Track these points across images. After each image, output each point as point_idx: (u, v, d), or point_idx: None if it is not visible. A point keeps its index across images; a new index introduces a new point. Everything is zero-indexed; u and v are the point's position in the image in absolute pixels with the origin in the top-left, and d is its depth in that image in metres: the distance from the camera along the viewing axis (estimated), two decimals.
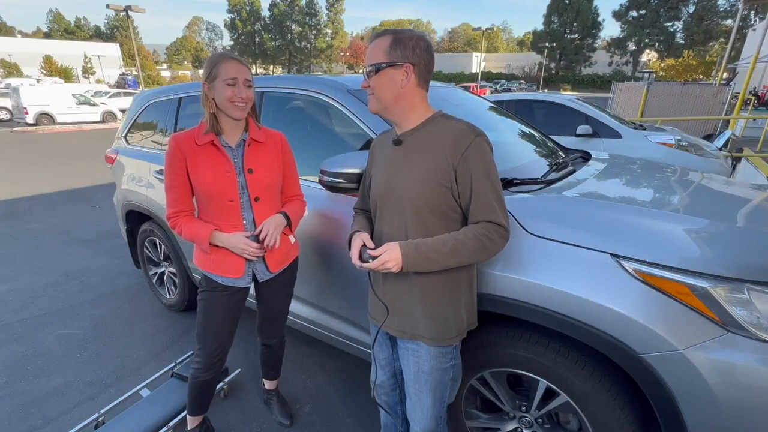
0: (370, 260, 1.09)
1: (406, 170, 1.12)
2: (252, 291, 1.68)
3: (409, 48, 1.07)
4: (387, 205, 1.17)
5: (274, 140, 1.55)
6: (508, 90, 37.40)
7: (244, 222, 1.48)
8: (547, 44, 51.10)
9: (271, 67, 75.38)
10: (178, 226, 1.44)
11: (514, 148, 2.12)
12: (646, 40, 52.56)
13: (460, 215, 1.13)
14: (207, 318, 1.55)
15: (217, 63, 1.34)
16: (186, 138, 1.40)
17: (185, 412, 1.86)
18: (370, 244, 1.15)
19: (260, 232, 1.44)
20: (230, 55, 1.38)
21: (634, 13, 52.29)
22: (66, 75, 40.29)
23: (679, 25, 50.86)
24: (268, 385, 2.00)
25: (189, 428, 1.78)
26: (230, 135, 1.45)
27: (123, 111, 17.68)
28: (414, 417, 1.28)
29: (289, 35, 70.62)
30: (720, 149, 5.33)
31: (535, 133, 2.42)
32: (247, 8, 70.63)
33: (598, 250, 1.19)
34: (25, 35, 71.53)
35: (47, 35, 70.73)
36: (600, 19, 55.96)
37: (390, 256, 1.06)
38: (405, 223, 1.13)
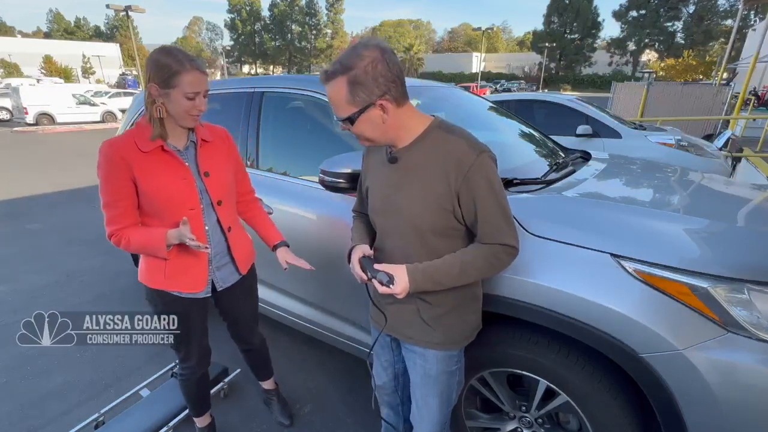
0: (389, 285, 1.02)
1: (405, 192, 1.06)
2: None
3: (370, 81, 0.94)
4: (387, 224, 1.14)
5: (221, 137, 1.45)
6: (508, 90, 37.39)
7: (207, 228, 1.39)
8: (547, 44, 51.07)
9: (271, 67, 75.37)
10: (124, 239, 1.25)
11: (514, 148, 2.12)
12: (646, 40, 52.58)
13: (464, 232, 1.09)
14: (180, 331, 1.49)
15: (178, 72, 1.16)
16: (126, 145, 1.22)
17: (185, 412, 1.86)
18: (369, 252, 1.12)
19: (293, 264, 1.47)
20: (192, 63, 1.19)
21: (634, 13, 52.30)
22: (66, 75, 40.28)
23: (679, 25, 50.90)
24: (267, 384, 2.00)
25: (199, 427, 1.78)
26: (177, 138, 1.31)
27: (123, 111, 17.67)
28: (419, 422, 1.26)
29: (289, 35, 70.63)
30: (720, 149, 5.33)
31: (535, 133, 2.42)
32: (247, 8, 70.63)
33: (598, 250, 1.19)
34: (25, 35, 71.54)
35: (47, 35, 70.71)
36: (600, 19, 56.05)
37: (401, 288, 1.01)
38: (407, 242, 1.09)
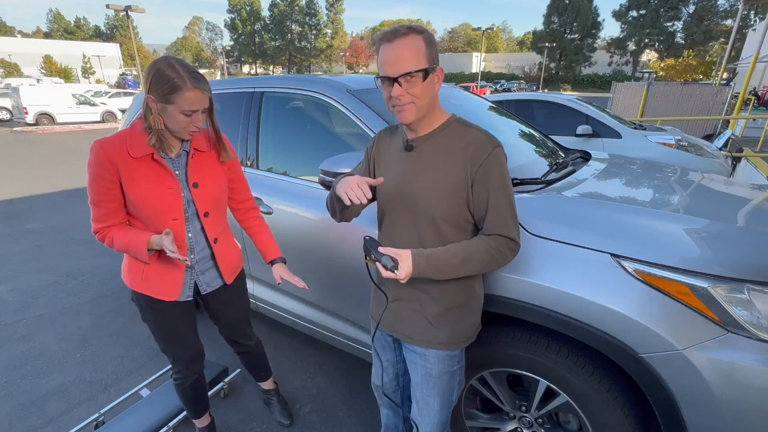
0: (394, 270, 0.99)
1: (420, 180, 1.08)
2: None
3: (436, 48, 1.02)
4: (397, 213, 1.14)
5: (216, 146, 1.42)
6: (508, 90, 37.39)
7: (189, 235, 1.37)
8: (547, 44, 51.07)
9: (271, 67, 75.35)
10: (108, 238, 1.27)
11: (514, 148, 2.11)
12: (646, 40, 52.52)
13: (472, 225, 1.11)
14: (164, 334, 1.49)
15: (177, 89, 1.13)
16: (116, 148, 1.21)
17: (185, 413, 1.86)
18: (366, 188, 1.03)
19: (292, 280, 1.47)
20: (194, 81, 1.15)
21: (634, 13, 52.26)
22: (66, 75, 40.33)
23: (679, 25, 50.84)
24: (266, 385, 2.00)
25: (199, 427, 1.78)
26: (170, 146, 1.30)
27: (123, 111, 17.68)
28: (421, 423, 1.25)
29: (289, 35, 70.59)
30: (720, 149, 5.33)
31: (535, 133, 2.42)
32: (247, 8, 70.62)
33: (598, 250, 1.19)
34: (25, 35, 71.51)
35: (47, 35, 70.75)
36: (600, 19, 55.93)
37: (405, 273, 0.99)
38: (418, 232, 1.10)
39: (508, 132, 2.28)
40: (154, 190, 1.26)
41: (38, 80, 29.33)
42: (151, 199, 1.25)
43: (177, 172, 1.31)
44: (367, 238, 1.06)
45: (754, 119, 10.80)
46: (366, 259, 1.05)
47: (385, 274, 1.01)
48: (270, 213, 1.97)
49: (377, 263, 1.02)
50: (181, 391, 1.65)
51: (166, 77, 1.14)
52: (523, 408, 1.45)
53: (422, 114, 1.05)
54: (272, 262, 1.56)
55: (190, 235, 1.38)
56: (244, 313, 1.71)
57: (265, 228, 1.62)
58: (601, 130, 4.74)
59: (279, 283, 1.51)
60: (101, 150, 1.21)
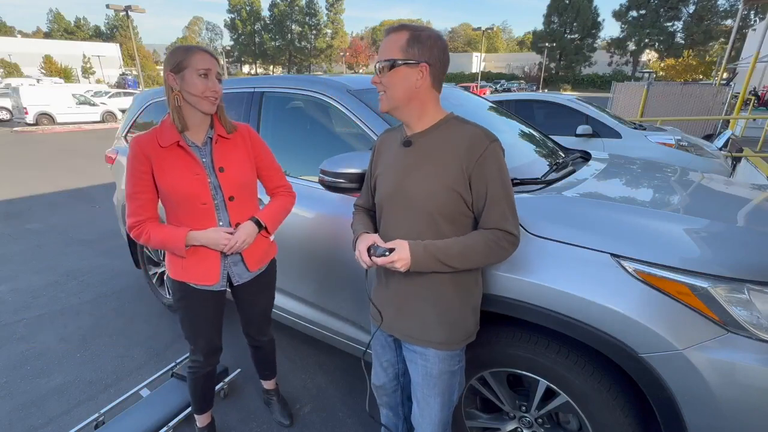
0: (386, 253, 1.04)
1: (417, 174, 1.09)
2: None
3: (426, 47, 1.04)
4: (395, 209, 1.14)
5: (241, 134, 1.47)
6: (508, 90, 37.39)
7: (220, 223, 1.43)
8: (547, 44, 51.12)
9: (271, 67, 75.34)
10: (145, 234, 1.34)
11: (514, 147, 2.11)
12: (646, 40, 52.54)
13: (471, 219, 1.11)
14: (191, 323, 1.54)
15: (187, 54, 1.26)
16: (149, 140, 1.31)
17: (185, 412, 1.87)
18: (381, 242, 1.11)
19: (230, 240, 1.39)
20: (200, 47, 1.30)
21: (634, 13, 52.30)
22: (66, 75, 40.35)
23: (679, 25, 50.88)
24: (267, 384, 2.00)
25: (200, 426, 1.79)
26: (196, 132, 1.37)
27: (123, 111, 17.68)
28: (421, 423, 1.25)
29: (289, 35, 70.59)
30: (720, 149, 5.33)
31: (535, 133, 2.42)
32: (247, 8, 70.63)
33: (598, 250, 1.19)
34: (25, 35, 71.55)
35: (47, 35, 70.81)
36: (600, 19, 55.99)
37: (399, 256, 1.03)
38: (415, 227, 1.11)
39: (508, 132, 2.28)
40: (182, 178, 1.33)
41: (38, 80, 29.34)
42: (179, 185, 1.32)
43: (204, 160, 1.38)
44: (372, 245, 1.10)
45: (754, 119, 10.80)
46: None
47: (380, 261, 1.05)
48: None
49: (373, 257, 1.07)
50: (194, 380, 1.67)
51: (177, 51, 1.28)
52: (523, 408, 1.45)
53: (395, 105, 1.09)
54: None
55: (221, 223, 1.43)
56: (265, 308, 1.74)
57: (279, 200, 1.59)
58: (601, 130, 4.74)
59: (225, 229, 1.41)
60: (137, 145, 1.31)
